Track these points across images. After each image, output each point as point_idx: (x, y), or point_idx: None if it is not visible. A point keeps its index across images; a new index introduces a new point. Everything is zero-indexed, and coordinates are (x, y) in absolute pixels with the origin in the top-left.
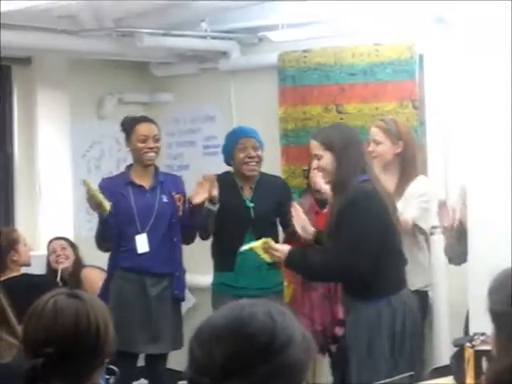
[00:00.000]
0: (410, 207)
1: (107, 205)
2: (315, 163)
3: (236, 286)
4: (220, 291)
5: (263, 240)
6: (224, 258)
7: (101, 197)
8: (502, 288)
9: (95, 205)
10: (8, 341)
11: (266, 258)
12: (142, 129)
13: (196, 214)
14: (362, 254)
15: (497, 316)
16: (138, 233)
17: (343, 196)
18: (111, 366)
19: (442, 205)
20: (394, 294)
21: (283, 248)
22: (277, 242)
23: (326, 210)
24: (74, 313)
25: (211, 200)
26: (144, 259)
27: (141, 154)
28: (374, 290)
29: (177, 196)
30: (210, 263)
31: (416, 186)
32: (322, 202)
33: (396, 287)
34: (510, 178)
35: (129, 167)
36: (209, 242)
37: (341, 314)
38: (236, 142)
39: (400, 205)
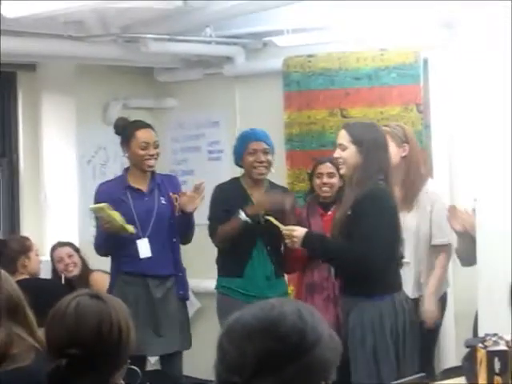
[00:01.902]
0: (424, 223)
1: (130, 227)
2: (337, 152)
3: (244, 293)
4: (224, 294)
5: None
6: (234, 263)
7: (122, 220)
8: None
9: (113, 231)
10: (28, 342)
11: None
12: (143, 135)
13: (185, 221)
14: (377, 246)
15: None
16: (139, 237)
17: (360, 191)
18: (133, 367)
19: (453, 209)
20: (398, 291)
21: (300, 229)
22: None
23: (330, 213)
24: (96, 314)
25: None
26: (146, 262)
27: (142, 160)
28: (379, 286)
29: (174, 196)
30: (215, 268)
31: (426, 194)
32: (325, 205)
33: (398, 286)
34: None
35: (126, 170)
36: (214, 247)
37: None
38: (246, 145)
39: (414, 215)
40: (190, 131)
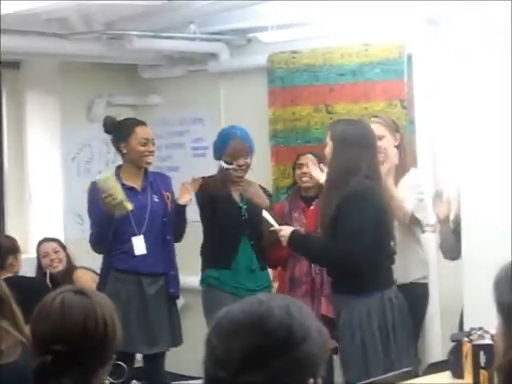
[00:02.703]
0: (405, 200)
1: (128, 205)
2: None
3: (231, 284)
4: (213, 286)
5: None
6: (222, 256)
7: (123, 196)
8: (509, 279)
9: (112, 205)
10: (15, 336)
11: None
12: (143, 132)
13: (180, 215)
14: (362, 244)
15: (504, 307)
16: (134, 234)
17: (342, 190)
18: (119, 363)
19: (438, 196)
20: (388, 288)
21: (287, 228)
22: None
23: (312, 207)
24: (81, 309)
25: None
26: (139, 260)
27: (141, 156)
28: (368, 283)
29: (166, 194)
30: (198, 264)
31: (409, 178)
32: (307, 199)
33: (389, 282)
34: (503, 175)
35: (118, 168)
36: (198, 243)
37: (324, 310)
38: (228, 144)
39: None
40: (175, 128)
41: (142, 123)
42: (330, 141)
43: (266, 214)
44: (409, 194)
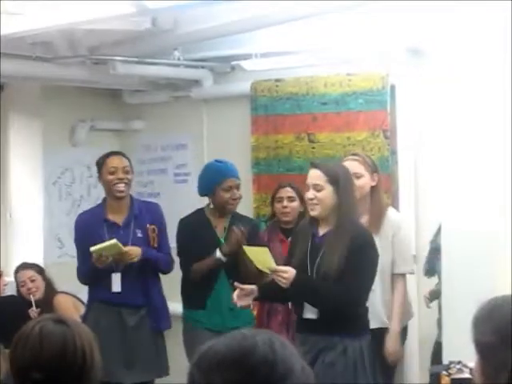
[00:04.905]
0: (386, 252)
1: (124, 247)
2: (311, 193)
3: (208, 324)
4: (192, 324)
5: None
6: (196, 295)
7: (121, 245)
8: (489, 318)
9: (118, 257)
10: None
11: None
12: (112, 161)
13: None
14: (367, 288)
15: (483, 347)
16: (113, 271)
17: (346, 231)
18: None
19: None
20: (371, 328)
21: (291, 269)
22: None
23: (290, 239)
24: (60, 338)
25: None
26: (119, 294)
27: (111, 185)
28: (361, 324)
29: (151, 228)
30: (179, 291)
31: (389, 222)
32: (286, 231)
33: (368, 325)
34: (485, 207)
35: (104, 201)
36: (180, 272)
37: None
38: (220, 181)
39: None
40: (157, 153)
41: (116, 153)
42: (329, 185)
43: (266, 253)
44: (389, 246)
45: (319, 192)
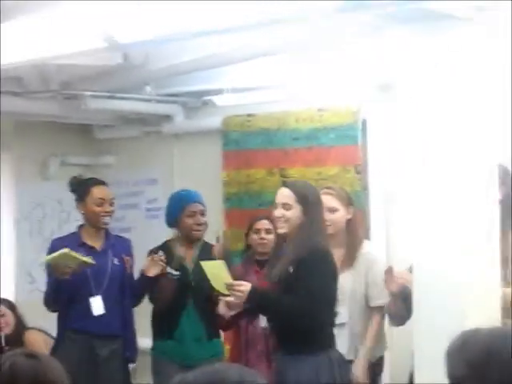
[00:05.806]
0: (360, 286)
1: (89, 259)
2: (279, 211)
3: (176, 355)
4: (160, 356)
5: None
6: (164, 327)
7: (80, 256)
8: (461, 351)
9: (78, 269)
10: None
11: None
12: (99, 192)
13: (144, 284)
14: (320, 303)
15: (457, 380)
16: (92, 295)
17: (304, 250)
18: None
19: (389, 271)
20: (332, 348)
21: (246, 283)
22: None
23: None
24: (31, 373)
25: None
26: (95, 321)
27: (97, 217)
28: (316, 343)
29: (126, 259)
30: (149, 326)
31: (364, 255)
32: (261, 262)
33: (333, 343)
34: (458, 245)
35: (80, 228)
36: (147, 306)
37: None
38: (183, 208)
39: (350, 277)
40: (128, 188)
41: (101, 183)
42: (298, 204)
43: (222, 265)
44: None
45: (288, 211)
